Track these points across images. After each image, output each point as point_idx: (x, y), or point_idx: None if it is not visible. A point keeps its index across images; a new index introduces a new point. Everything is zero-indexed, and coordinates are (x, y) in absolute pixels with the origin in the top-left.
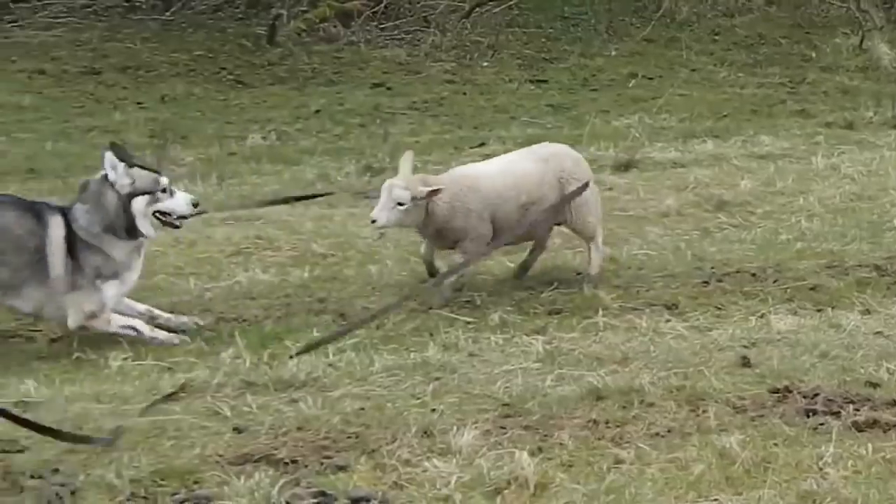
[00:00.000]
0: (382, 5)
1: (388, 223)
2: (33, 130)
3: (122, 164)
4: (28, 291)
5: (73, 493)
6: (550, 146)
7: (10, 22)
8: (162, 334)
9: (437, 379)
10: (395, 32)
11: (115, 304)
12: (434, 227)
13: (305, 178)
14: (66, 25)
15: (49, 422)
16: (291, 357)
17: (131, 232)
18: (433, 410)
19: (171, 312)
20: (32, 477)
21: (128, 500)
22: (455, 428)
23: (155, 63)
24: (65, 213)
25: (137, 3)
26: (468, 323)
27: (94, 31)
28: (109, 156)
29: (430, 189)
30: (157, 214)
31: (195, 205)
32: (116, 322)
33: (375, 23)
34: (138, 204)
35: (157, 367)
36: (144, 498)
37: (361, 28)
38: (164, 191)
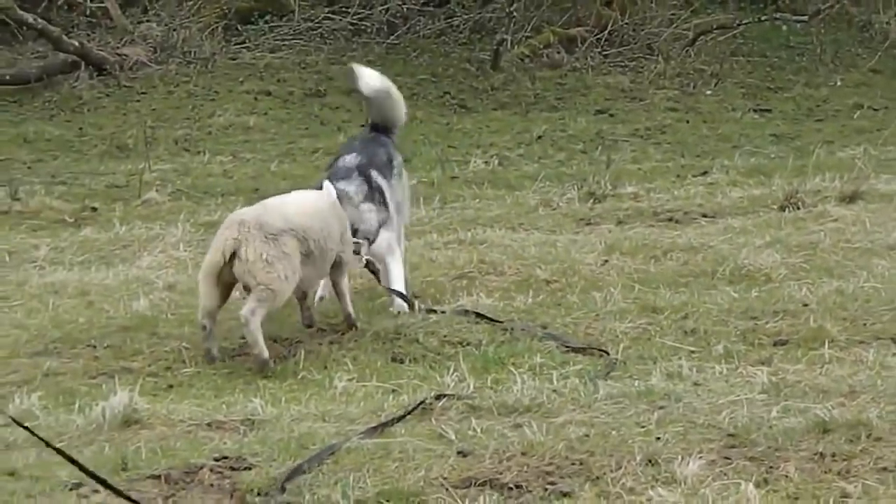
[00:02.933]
0: (606, 32)
1: None
2: (259, 151)
3: None
4: None
5: None
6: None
7: (237, 44)
8: None
9: (662, 407)
10: (619, 59)
11: None
12: None
13: (528, 203)
14: (293, 48)
15: (275, 440)
16: None
17: None
18: (658, 439)
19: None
20: (259, 494)
21: None
22: (680, 457)
23: None
24: None
25: (363, 27)
26: (692, 352)
27: (319, 54)
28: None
29: None
30: None
31: None
32: None
33: (599, 49)
34: None
35: (382, 388)
36: None
37: (585, 54)
38: None
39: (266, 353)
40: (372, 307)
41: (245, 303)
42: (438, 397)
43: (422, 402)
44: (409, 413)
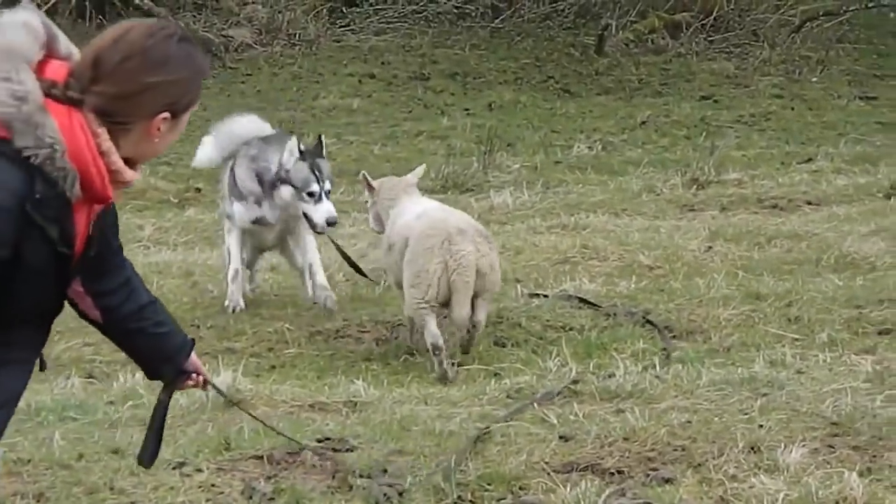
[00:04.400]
0: (712, 17)
1: None
2: (362, 133)
3: (298, 154)
4: None
5: (400, 494)
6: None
7: (342, 26)
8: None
9: (765, 395)
10: (724, 45)
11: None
12: None
13: (631, 188)
14: (397, 31)
15: (377, 422)
16: None
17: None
18: (760, 426)
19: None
20: (361, 476)
21: (454, 503)
22: (783, 445)
23: (483, 70)
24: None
25: (467, 11)
26: (796, 340)
27: (424, 37)
28: (294, 141)
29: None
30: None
31: (330, 223)
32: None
33: (704, 35)
34: (282, 192)
35: (484, 371)
36: (471, 502)
37: (690, 39)
38: (310, 195)
39: None
40: None
41: (476, 312)
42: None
43: (571, 383)
44: (557, 395)
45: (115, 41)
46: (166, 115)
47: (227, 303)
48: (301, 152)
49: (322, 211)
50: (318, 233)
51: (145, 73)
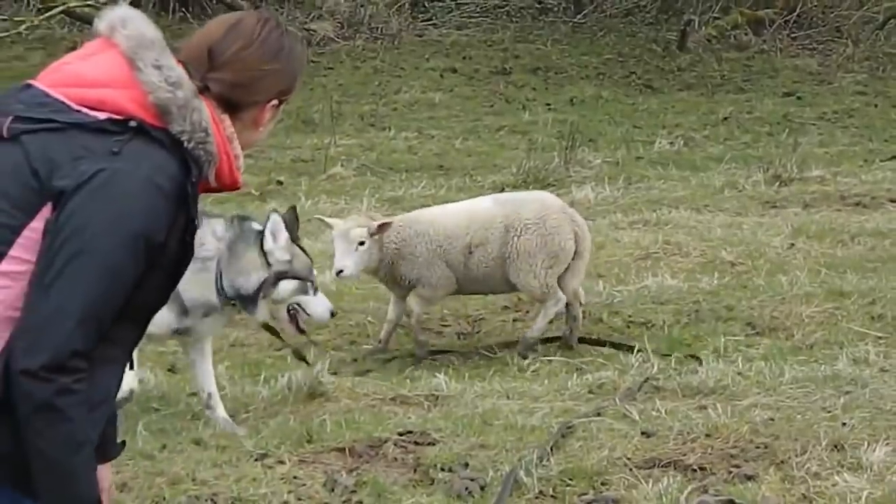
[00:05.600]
0: (795, 14)
1: (355, 268)
2: (444, 128)
3: (286, 235)
4: None
5: (482, 487)
6: (521, 193)
7: (424, 20)
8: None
9: (848, 393)
10: (807, 41)
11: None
12: (385, 271)
13: (713, 184)
14: (479, 25)
15: (458, 416)
16: None
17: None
18: (844, 424)
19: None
20: (443, 469)
21: (536, 497)
22: (866, 443)
23: (564, 65)
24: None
25: (549, 6)
26: (879, 338)
27: (505, 32)
28: (276, 219)
29: (381, 223)
30: (291, 308)
31: (332, 314)
32: None
33: (787, 31)
34: (285, 287)
35: (567, 366)
36: (553, 497)
37: (773, 36)
38: (311, 283)
39: None
40: None
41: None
42: (647, 380)
43: (647, 380)
44: (638, 390)
45: (228, 31)
46: (275, 102)
47: None
48: (290, 231)
49: (324, 304)
50: (301, 331)
51: (263, 60)
